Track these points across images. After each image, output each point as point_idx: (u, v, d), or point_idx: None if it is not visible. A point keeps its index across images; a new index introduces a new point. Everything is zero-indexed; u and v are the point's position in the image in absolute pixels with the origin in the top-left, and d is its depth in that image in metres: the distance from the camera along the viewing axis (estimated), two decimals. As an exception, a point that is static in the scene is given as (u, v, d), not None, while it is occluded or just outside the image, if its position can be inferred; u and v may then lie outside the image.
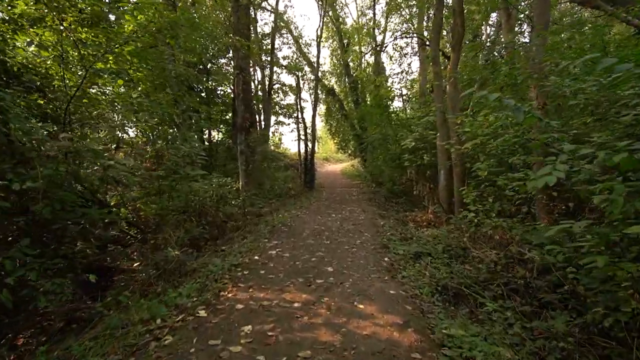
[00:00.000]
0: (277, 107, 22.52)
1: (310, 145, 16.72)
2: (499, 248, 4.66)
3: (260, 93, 17.69)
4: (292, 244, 5.74)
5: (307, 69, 21.87)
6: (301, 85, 19.48)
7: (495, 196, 6.02)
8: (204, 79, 13.28)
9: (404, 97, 11.91)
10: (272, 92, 15.71)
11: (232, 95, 14.78)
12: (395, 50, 14.83)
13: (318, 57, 16.99)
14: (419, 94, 13.38)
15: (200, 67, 14.18)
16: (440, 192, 8.21)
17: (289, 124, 23.43)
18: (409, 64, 15.70)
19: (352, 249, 5.48)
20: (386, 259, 5.01)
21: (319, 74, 22.39)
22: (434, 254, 5.13)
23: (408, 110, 13.52)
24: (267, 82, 16.19)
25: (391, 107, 12.75)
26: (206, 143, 15.27)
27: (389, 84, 13.74)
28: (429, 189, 7.67)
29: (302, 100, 23.14)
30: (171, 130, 7.89)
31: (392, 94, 11.79)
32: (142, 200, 6.01)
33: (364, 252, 5.32)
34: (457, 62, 8.44)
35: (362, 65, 20.24)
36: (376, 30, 18.30)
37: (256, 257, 4.98)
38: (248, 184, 10.75)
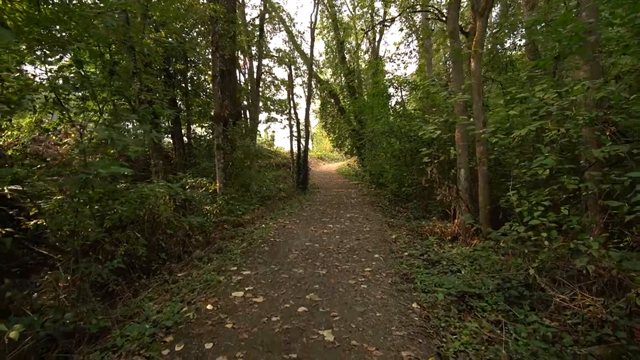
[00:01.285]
0: (268, 102, 20.62)
1: (303, 142, 14.81)
2: (604, 292, 2.81)
3: (251, 88, 15.74)
4: (271, 277, 3.82)
5: (300, 60, 19.97)
6: (294, 78, 17.56)
7: (554, 204, 4.22)
8: (179, 62, 11.27)
9: (408, 85, 10.04)
10: (260, 83, 13.76)
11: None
12: (404, 26, 12.94)
13: (312, 45, 15.10)
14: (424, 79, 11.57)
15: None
16: (463, 196, 6.36)
17: (281, 121, 21.61)
18: (417, 45, 13.80)
19: (360, 285, 3.58)
20: (415, 306, 3.12)
21: (313, 66, 20.52)
22: (485, 295, 3.26)
23: (408, 103, 11.65)
24: (255, 72, 14.21)
25: (395, 97, 10.88)
26: (186, 139, 13.27)
27: (391, 69, 11.84)
28: (456, 193, 5.80)
29: (295, 96, 21.26)
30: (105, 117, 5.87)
31: (399, 79, 9.99)
32: (51, 208, 4.02)
33: (379, 292, 3.42)
34: (484, 34, 6.57)
35: (360, 52, 18.35)
36: (376, 16, 16.43)
37: (209, 307, 3.05)
38: (228, 185, 8.79)
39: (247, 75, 16.77)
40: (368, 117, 11.58)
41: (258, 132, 25.81)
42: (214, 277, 3.75)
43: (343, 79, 20.38)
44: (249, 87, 15.16)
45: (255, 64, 15.45)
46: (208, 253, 5.21)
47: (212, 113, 8.87)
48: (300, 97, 30.46)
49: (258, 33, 14.69)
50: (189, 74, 13.39)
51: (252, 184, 11.59)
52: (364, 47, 19.27)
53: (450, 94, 6.23)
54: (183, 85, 12.65)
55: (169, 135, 13.80)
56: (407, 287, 3.59)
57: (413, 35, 13.66)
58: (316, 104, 23.90)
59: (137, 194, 5.08)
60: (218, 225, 6.88)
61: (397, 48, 13.45)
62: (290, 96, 17.33)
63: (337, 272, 3.96)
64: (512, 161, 5.21)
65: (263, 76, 20.72)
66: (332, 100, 20.33)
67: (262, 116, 22.15)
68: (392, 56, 14.19)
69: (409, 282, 3.74)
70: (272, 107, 21.04)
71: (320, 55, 20.26)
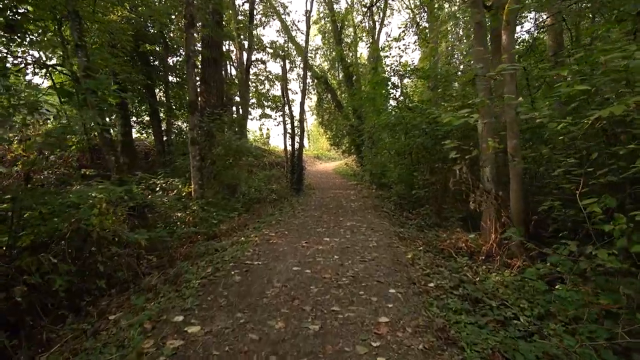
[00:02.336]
0: (262, 99, 19.12)
1: (298, 139, 13.35)
2: None
3: (239, 81, 14.25)
4: (231, 340, 2.35)
5: (294, 53, 18.49)
6: (288, 71, 16.10)
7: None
8: (158, 45, 9.75)
9: (415, 72, 8.60)
10: (250, 72, 12.24)
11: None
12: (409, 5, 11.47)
13: (307, 34, 13.61)
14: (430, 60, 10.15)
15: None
16: (489, 203, 4.92)
17: (275, 118, 20.10)
18: (419, 31, 12.31)
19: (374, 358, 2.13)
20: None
21: (309, 59, 19.04)
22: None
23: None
24: (244, 61, 12.71)
25: (398, 88, 9.42)
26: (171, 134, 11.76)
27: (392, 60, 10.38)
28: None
29: (290, 91, 19.78)
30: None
31: (405, 66, 8.58)
32: None
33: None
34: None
35: (358, 43, 16.90)
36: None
37: None
38: (206, 187, 7.31)
39: (237, 67, 15.27)
40: (370, 109, 10.14)
41: (253, 130, 24.32)
42: (138, 342, 2.27)
43: (341, 73, 18.95)
44: (241, 80, 13.65)
45: (246, 55, 13.95)
46: (159, 282, 3.75)
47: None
48: (296, 92, 28.97)
49: (247, 19, 13.20)
50: (170, 61, 11.88)
51: (239, 185, 10.14)
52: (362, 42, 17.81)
53: (479, 71, 4.80)
54: (162, 73, 11.14)
55: (149, 131, 12.29)
56: (450, 356, 2.16)
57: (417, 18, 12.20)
58: (312, 100, 22.46)
59: (58, 202, 3.61)
60: (187, 239, 5.40)
61: (403, 32, 11.90)
62: (284, 91, 15.87)
63: (336, 327, 2.50)
64: (558, 158, 3.82)
65: (256, 70, 19.26)
66: (329, 95, 18.88)
67: (256, 112, 20.76)
68: (399, 36, 12.58)
69: (451, 345, 2.30)
70: (265, 104, 19.62)
71: (317, 49, 18.76)
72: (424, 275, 3.63)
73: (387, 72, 8.69)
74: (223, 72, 17.54)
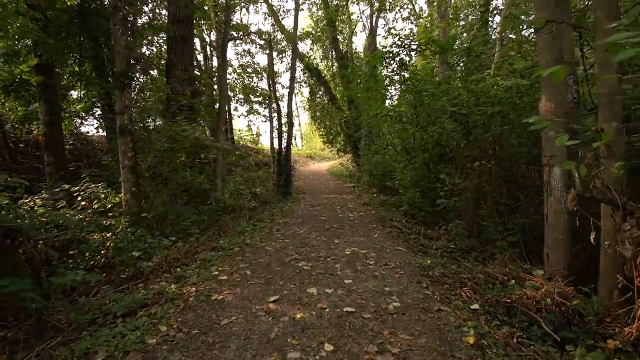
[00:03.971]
0: (250, 93, 16.88)
1: (286, 135, 11.17)
2: None
3: (218, 66, 12.03)
4: None
5: (284, 44, 16.26)
6: (274, 57, 13.89)
7: None
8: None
9: (432, 45, 6.44)
10: (227, 53, 9.96)
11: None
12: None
13: (297, 15, 11.42)
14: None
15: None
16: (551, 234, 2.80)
17: (264, 115, 17.88)
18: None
19: None
20: None
21: (299, 48, 16.84)
22: None
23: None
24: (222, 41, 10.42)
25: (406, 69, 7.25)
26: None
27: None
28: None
29: (279, 85, 17.56)
30: None
31: (421, 35, 6.47)
32: None
33: None
34: None
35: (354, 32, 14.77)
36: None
37: None
38: (154, 193, 5.09)
39: (214, 51, 12.97)
40: (367, 97, 7.97)
41: (238, 130, 21.98)
42: None
43: (335, 65, 16.80)
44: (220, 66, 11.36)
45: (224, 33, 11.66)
46: None
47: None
48: (286, 87, 26.89)
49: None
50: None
51: (211, 191, 7.92)
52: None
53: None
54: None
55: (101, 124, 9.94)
56: None
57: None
58: (304, 95, 20.28)
59: None
60: (85, 287, 3.20)
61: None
62: (271, 81, 13.67)
63: None
64: None
65: (241, 61, 17.01)
66: (323, 89, 16.70)
67: (244, 110, 18.49)
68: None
69: None
70: (254, 99, 17.41)
71: (308, 35, 16.54)
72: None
73: (393, 45, 6.52)
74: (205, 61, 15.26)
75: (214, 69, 14.14)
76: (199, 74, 10.40)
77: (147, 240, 3.91)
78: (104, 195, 4.52)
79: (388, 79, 7.45)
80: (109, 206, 4.53)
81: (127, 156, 4.61)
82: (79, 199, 4.78)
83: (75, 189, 4.58)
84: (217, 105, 10.61)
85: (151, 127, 5.98)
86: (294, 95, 20.04)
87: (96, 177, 5.49)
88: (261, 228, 5.55)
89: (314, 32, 15.91)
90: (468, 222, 4.78)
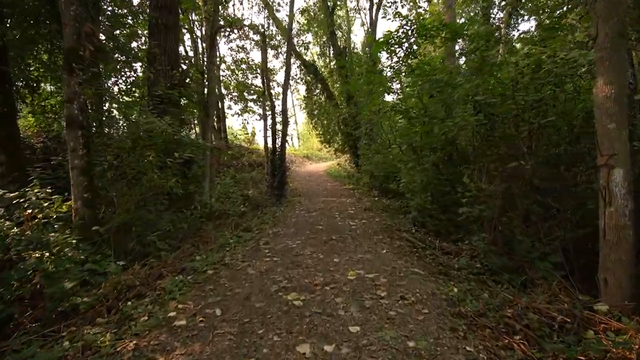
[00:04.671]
0: (244, 89, 15.93)
1: (280, 133, 10.26)
2: None
3: (207, 55, 11.07)
4: None
5: (279, 37, 15.32)
6: (268, 49, 12.95)
7: None
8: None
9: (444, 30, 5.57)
10: (216, 41, 9.01)
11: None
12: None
13: (292, 2, 10.52)
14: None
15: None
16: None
17: (259, 114, 16.92)
18: None
19: None
20: None
21: (295, 44, 15.91)
22: None
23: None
24: (210, 28, 9.46)
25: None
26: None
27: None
28: None
29: (274, 83, 16.62)
30: None
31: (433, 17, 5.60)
32: None
33: None
34: None
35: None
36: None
37: None
38: (95, 204, 4.17)
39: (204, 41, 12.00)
40: (375, 86, 7.07)
41: (230, 128, 20.98)
42: None
43: (332, 61, 15.90)
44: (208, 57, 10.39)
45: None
46: None
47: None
48: (281, 84, 26.00)
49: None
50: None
51: (196, 194, 7.02)
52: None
53: None
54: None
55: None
56: None
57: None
58: (300, 93, 19.35)
59: None
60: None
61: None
62: (264, 76, 12.75)
63: None
64: None
65: (235, 57, 16.05)
66: (320, 86, 15.79)
67: (237, 107, 17.55)
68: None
69: None
70: (248, 97, 16.47)
71: (305, 26, 15.63)
72: None
73: (400, 29, 5.62)
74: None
75: (205, 64, 13.19)
76: (184, 67, 9.44)
77: (89, 263, 2.97)
78: (47, 203, 3.58)
79: (392, 70, 6.56)
80: (53, 216, 3.59)
81: (77, 154, 3.68)
82: (26, 206, 3.83)
83: (11, 195, 3.63)
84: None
85: (116, 120, 5.02)
86: (289, 91, 19.13)
87: (50, 180, 4.55)
88: (246, 240, 4.62)
89: (310, 18, 14.96)
90: (493, 235, 3.90)
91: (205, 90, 9.53)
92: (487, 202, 3.88)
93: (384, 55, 8.90)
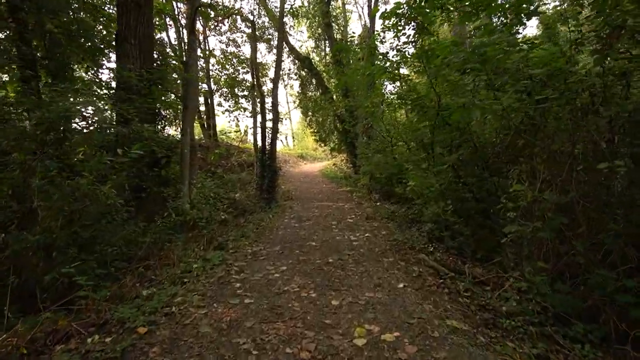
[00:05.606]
0: (234, 85, 14.71)
1: (270, 130, 9.07)
2: None
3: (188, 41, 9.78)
4: None
5: (271, 29, 14.12)
6: (257, 38, 11.76)
7: None
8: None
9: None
10: (196, 22, 7.80)
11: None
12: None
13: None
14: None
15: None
16: None
17: (250, 110, 15.69)
18: None
19: None
20: None
21: (289, 37, 14.71)
22: None
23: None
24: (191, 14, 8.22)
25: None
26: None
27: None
28: None
29: (266, 78, 15.41)
30: None
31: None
32: None
33: None
34: None
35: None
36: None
37: None
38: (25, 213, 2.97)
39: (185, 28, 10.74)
40: (377, 75, 5.90)
41: (226, 131, 19.63)
42: None
43: (328, 55, 14.76)
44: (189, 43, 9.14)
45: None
46: None
47: None
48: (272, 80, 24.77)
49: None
50: None
51: (168, 199, 5.83)
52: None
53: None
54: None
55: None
56: None
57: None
58: (294, 88, 18.15)
59: None
60: None
61: None
62: (254, 68, 11.55)
63: None
64: None
65: (227, 48, 14.79)
66: (314, 81, 14.63)
67: (227, 104, 16.33)
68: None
69: None
70: (240, 94, 15.26)
71: (298, 26, 14.44)
72: None
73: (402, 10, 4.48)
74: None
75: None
76: (158, 55, 8.18)
77: None
78: None
79: (399, 53, 5.41)
80: None
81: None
82: None
83: None
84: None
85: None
86: (282, 85, 17.92)
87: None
88: (214, 265, 3.44)
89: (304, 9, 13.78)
90: (553, 262, 2.78)
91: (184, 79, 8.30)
92: (543, 216, 2.75)
93: (387, 41, 7.79)
